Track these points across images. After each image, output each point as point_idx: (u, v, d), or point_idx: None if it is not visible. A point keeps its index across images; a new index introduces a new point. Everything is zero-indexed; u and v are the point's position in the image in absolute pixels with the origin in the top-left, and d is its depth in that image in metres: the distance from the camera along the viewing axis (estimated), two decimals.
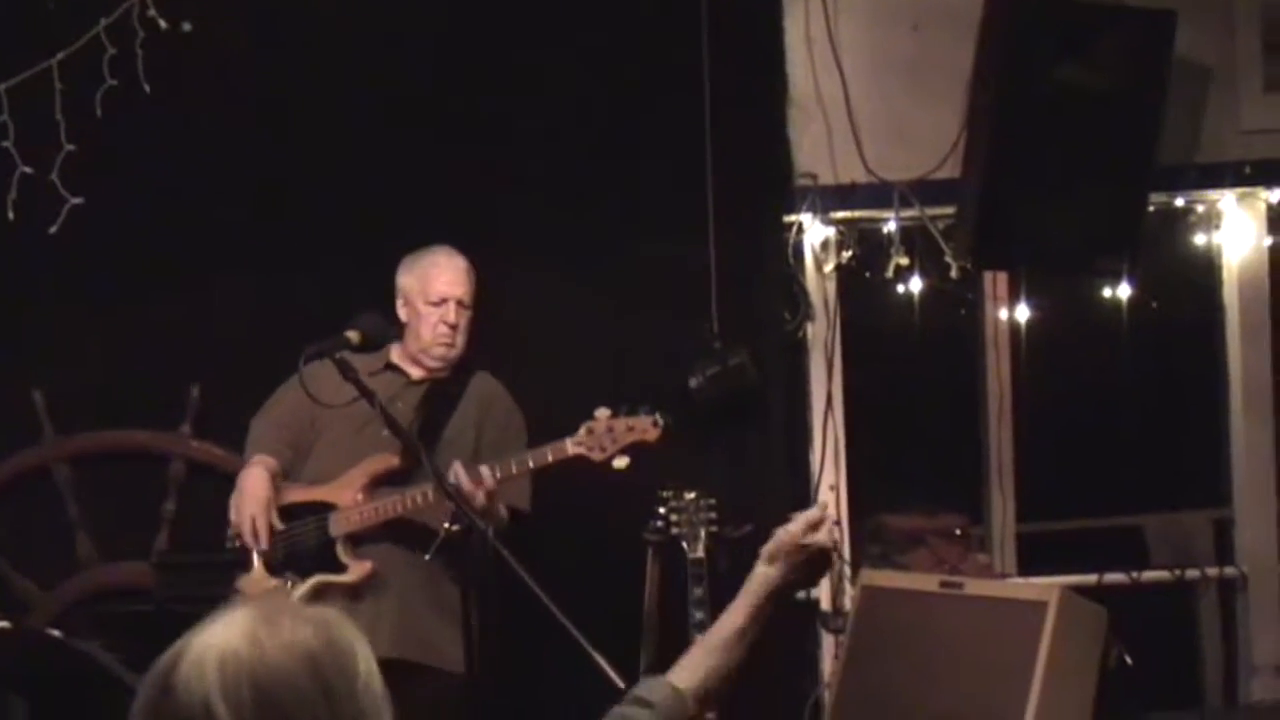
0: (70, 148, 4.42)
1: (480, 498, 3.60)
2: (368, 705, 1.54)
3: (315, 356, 3.46)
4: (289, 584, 3.79)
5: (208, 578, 3.88)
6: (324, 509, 3.84)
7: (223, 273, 4.44)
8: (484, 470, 3.66)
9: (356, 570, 3.78)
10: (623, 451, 3.68)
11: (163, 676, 1.51)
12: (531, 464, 3.74)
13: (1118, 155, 4.18)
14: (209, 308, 4.44)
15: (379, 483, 3.83)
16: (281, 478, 3.93)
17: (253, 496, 3.80)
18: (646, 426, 3.69)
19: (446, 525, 3.39)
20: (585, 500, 4.19)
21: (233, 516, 3.84)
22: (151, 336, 4.45)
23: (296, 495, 3.88)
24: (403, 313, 3.97)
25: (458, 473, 3.63)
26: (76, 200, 4.43)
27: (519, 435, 4.04)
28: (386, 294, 4.02)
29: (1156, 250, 4.68)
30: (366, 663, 1.56)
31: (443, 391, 3.97)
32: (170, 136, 4.49)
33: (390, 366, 3.97)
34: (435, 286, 3.92)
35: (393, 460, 3.82)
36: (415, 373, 3.97)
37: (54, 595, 4.44)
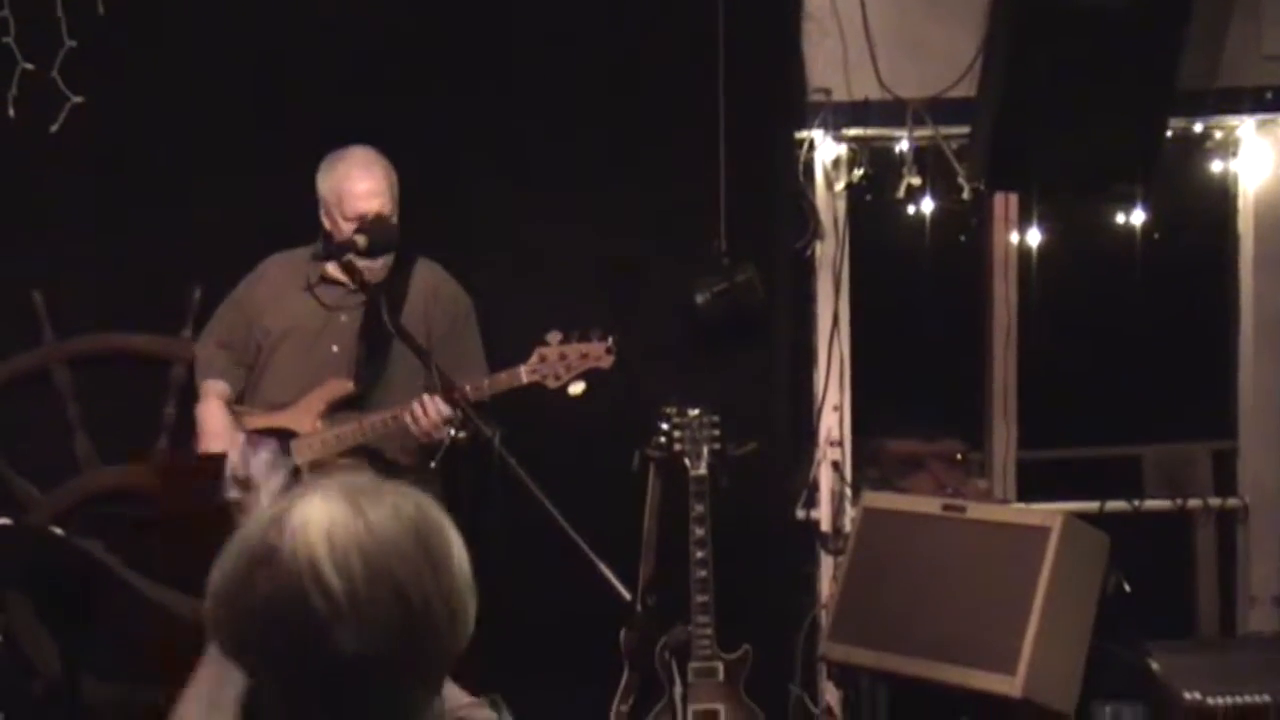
0: (71, 44, 4.36)
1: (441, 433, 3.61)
2: (462, 583, 1.53)
3: (323, 258, 3.44)
4: None
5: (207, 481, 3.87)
6: (284, 434, 3.83)
7: (225, 174, 4.39)
8: (439, 403, 3.65)
9: None
10: (578, 378, 3.67)
11: (259, 545, 1.48)
12: (487, 391, 3.72)
13: (1137, 78, 4.11)
14: (212, 210, 4.39)
15: (335, 408, 3.84)
16: (235, 400, 3.95)
17: (213, 432, 3.85)
18: (600, 353, 3.69)
19: (452, 432, 3.38)
20: (588, 415, 4.17)
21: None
22: (153, 238, 4.41)
23: (256, 422, 3.89)
24: (325, 221, 3.88)
25: (424, 404, 3.64)
26: (77, 99, 4.37)
27: (468, 321, 4.03)
28: None
29: (1171, 177, 4.62)
30: (458, 544, 1.55)
31: (387, 295, 3.88)
32: (172, 35, 4.43)
33: (325, 279, 3.90)
34: (352, 203, 3.81)
35: (348, 385, 3.84)
36: (351, 284, 3.86)
37: (53, 496, 4.44)
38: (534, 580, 3.88)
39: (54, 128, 4.38)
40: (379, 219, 3.73)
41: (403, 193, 3.92)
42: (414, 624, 1.46)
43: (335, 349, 3.87)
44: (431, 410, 3.64)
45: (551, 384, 3.68)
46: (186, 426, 4.39)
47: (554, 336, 3.69)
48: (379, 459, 3.82)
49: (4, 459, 4.43)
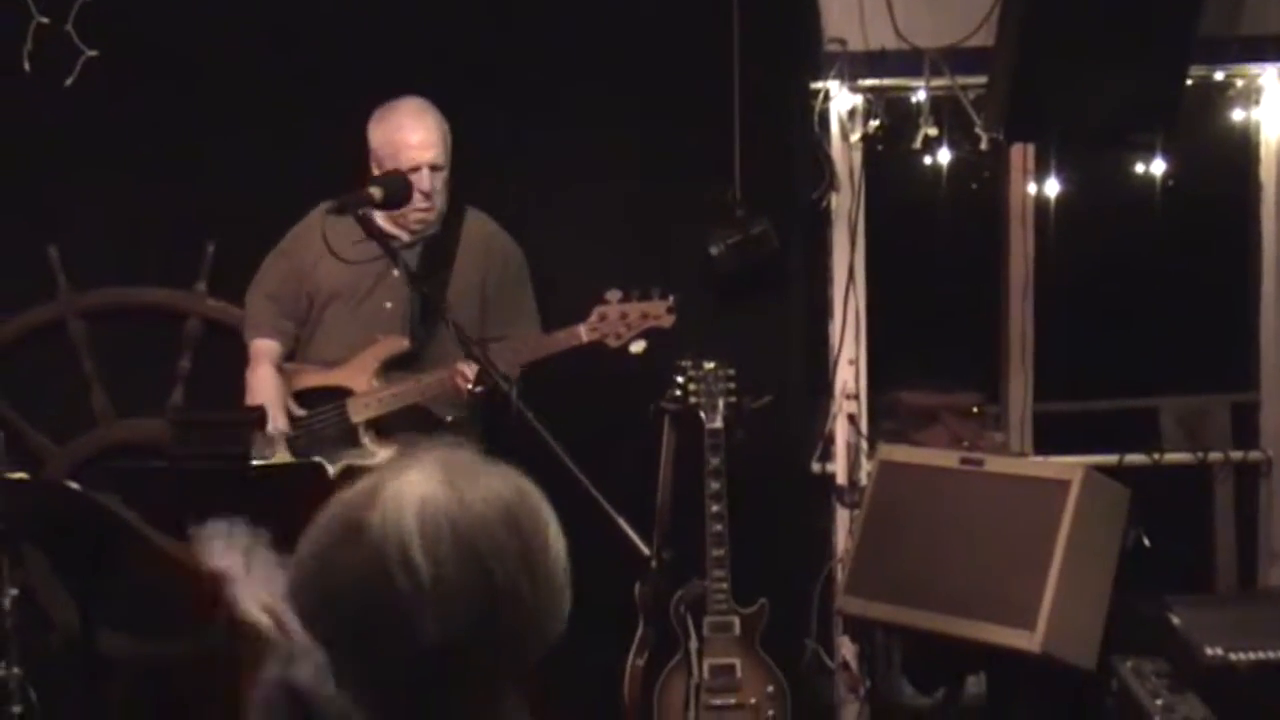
0: None
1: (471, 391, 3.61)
2: (557, 572, 1.47)
3: (337, 212, 3.41)
4: None
5: (222, 435, 3.86)
6: (339, 393, 3.81)
7: (239, 128, 4.37)
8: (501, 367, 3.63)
9: (385, 455, 3.75)
10: (638, 337, 3.65)
11: (351, 518, 1.43)
12: (546, 349, 3.70)
13: (1158, 26, 4.05)
14: (226, 164, 4.38)
15: (390, 366, 3.81)
16: (286, 357, 3.92)
17: (265, 399, 3.80)
18: (660, 312, 3.68)
19: (470, 386, 3.36)
20: (603, 367, 4.16)
21: None
22: (167, 192, 4.40)
23: (311, 379, 3.86)
24: (376, 175, 3.83)
25: (465, 373, 3.62)
26: (92, 53, 4.35)
27: (521, 274, 4.00)
28: None
29: (1192, 125, 4.56)
30: (556, 532, 1.49)
31: (438, 249, 3.87)
32: None
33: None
34: (406, 154, 3.77)
35: (403, 342, 3.80)
36: (404, 236, 3.86)
37: (68, 450, 4.45)
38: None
39: (68, 81, 4.36)
40: (394, 174, 3.70)
41: None
42: (498, 612, 1.41)
43: (388, 305, 3.84)
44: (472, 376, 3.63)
45: (612, 343, 3.67)
46: (201, 380, 4.40)
47: (613, 295, 3.67)
48: (426, 414, 3.80)
49: (20, 412, 4.45)
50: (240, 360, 4.06)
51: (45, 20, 4.34)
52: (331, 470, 3.80)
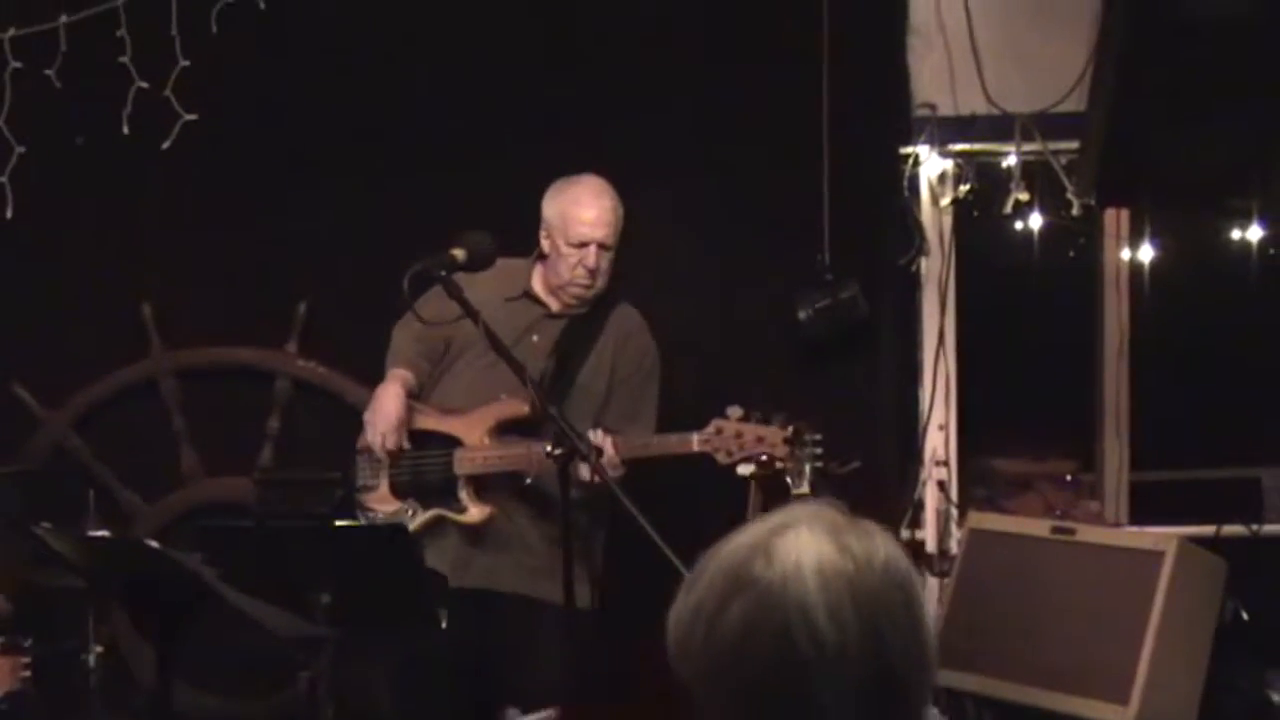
0: (185, 64, 4.43)
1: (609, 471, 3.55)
2: (932, 635, 1.44)
3: (420, 275, 3.40)
4: (410, 512, 3.78)
5: (310, 495, 3.88)
6: (451, 441, 3.81)
7: (331, 191, 4.43)
8: (608, 447, 3.60)
9: (477, 513, 3.76)
10: (748, 459, 3.61)
11: (741, 572, 1.40)
12: (655, 450, 3.68)
13: (1255, 90, 3.99)
14: (317, 225, 4.43)
15: (506, 428, 3.78)
16: (416, 393, 3.90)
17: (385, 415, 3.78)
18: (776, 441, 3.60)
19: (548, 449, 3.33)
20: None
21: (366, 431, 3.82)
22: (260, 253, 4.48)
23: (427, 422, 3.85)
24: (544, 244, 3.85)
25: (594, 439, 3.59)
26: (190, 116, 4.44)
27: (651, 376, 3.95)
28: (493, 208, 3.98)
29: None
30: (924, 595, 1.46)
31: (581, 329, 3.87)
32: (283, 53, 4.48)
33: (529, 295, 3.88)
34: (577, 229, 3.77)
35: (523, 407, 3.74)
36: (554, 305, 3.87)
37: (158, 508, 4.50)
38: (630, 598, 3.85)
39: (166, 144, 4.45)
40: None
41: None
42: (888, 686, 1.38)
43: None
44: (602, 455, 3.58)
45: (722, 459, 3.62)
46: (290, 440, 4.44)
47: (734, 411, 3.63)
48: (535, 487, 3.77)
49: (111, 470, 4.50)
50: (328, 421, 4.08)
51: (145, 85, 4.44)
52: (422, 517, 3.80)
